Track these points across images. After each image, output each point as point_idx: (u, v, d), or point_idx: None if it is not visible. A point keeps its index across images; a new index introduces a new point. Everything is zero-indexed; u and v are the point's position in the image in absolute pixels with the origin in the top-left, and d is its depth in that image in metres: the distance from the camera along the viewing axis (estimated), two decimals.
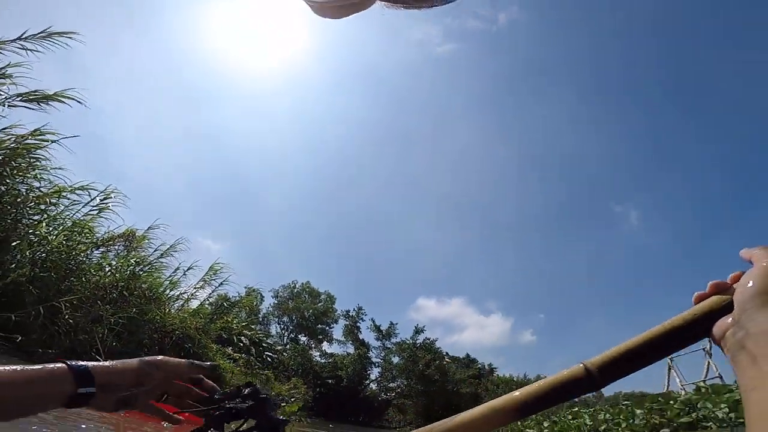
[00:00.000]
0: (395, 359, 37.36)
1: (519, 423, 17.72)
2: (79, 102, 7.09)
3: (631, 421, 9.28)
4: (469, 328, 67.36)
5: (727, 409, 7.13)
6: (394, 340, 38.51)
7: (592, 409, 14.57)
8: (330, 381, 34.30)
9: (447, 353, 38.96)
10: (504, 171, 75.20)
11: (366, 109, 75.33)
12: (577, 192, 72.05)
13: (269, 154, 72.69)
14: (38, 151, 6.68)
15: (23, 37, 6.43)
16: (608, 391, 43.64)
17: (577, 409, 15.77)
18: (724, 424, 6.87)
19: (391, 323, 39.05)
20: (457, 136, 73.74)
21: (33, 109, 6.67)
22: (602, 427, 10.17)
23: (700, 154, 66.01)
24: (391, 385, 37.26)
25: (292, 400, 13.47)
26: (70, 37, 6.96)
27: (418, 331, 37.89)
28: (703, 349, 17.45)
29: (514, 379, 35.96)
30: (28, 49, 6.51)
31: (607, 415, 10.81)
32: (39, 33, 6.55)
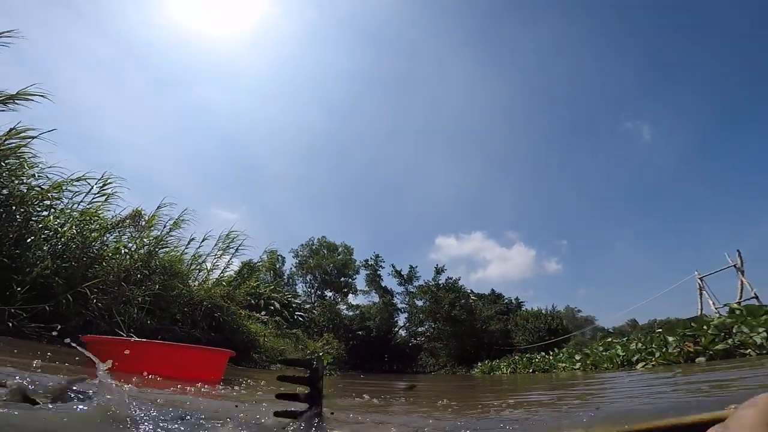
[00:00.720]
0: (419, 303, 37.60)
1: (552, 355, 18.40)
2: (44, 97, 7.04)
3: (664, 350, 9.34)
4: (492, 262, 68.49)
5: (765, 333, 7.00)
6: (416, 283, 38.68)
7: (624, 339, 14.88)
8: (360, 333, 35.45)
9: (472, 291, 39.34)
10: (507, 102, 72.52)
11: (354, 59, 72.22)
12: (584, 114, 69.06)
13: (264, 120, 71.80)
14: (23, 149, 6.75)
15: None
16: (643, 318, 44.47)
17: (610, 339, 16.13)
18: (764, 350, 6.77)
19: (411, 267, 39.24)
20: (454, 75, 70.72)
21: (2, 110, 6.64)
22: (635, 357, 10.31)
23: (704, 56, 60.85)
24: (419, 329, 37.93)
25: (321, 354, 14.11)
26: (10, 36, 6.78)
27: (438, 271, 37.82)
28: (734, 266, 17.14)
29: (543, 312, 36.51)
30: None
31: (640, 345, 10.93)
32: None
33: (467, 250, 65.00)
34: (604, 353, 12.88)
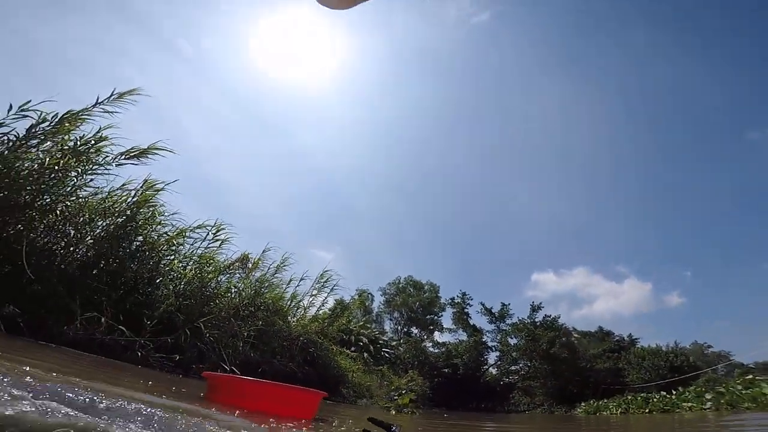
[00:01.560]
0: (512, 341, 36.48)
1: (674, 395, 16.29)
2: (170, 151, 8.13)
3: None
4: (599, 298, 62.52)
5: None
6: (509, 321, 37.69)
7: None
8: (446, 370, 34.86)
9: (574, 328, 37.28)
10: (608, 120, 67.98)
11: (439, 92, 74.02)
12: (699, 127, 62.07)
13: (355, 162, 76.00)
14: (153, 199, 7.92)
15: (99, 102, 7.31)
16: None
17: (751, 377, 13.92)
18: None
19: (503, 304, 38.33)
20: (545, 98, 68.62)
21: (135, 164, 7.75)
22: None
23: None
24: (512, 368, 36.49)
25: (403, 392, 14.24)
26: (138, 94, 7.86)
27: (535, 308, 36.34)
28: None
29: (663, 349, 32.69)
30: (109, 111, 7.38)
31: None
32: (110, 96, 7.44)
33: (569, 286, 60.63)
34: (744, 392, 11.20)
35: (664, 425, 7.75)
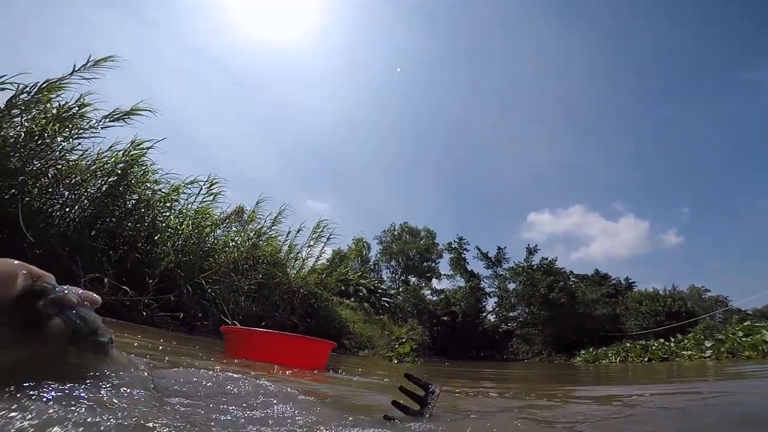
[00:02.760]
0: (511, 286, 36.92)
1: (673, 342, 17.12)
2: (152, 111, 8.21)
3: None
4: (596, 239, 62.96)
5: None
6: (506, 266, 37.89)
7: None
8: (445, 318, 35.51)
9: (571, 272, 37.72)
10: (601, 59, 65.67)
11: (425, 38, 70.98)
12: (691, 67, 59.96)
13: (343, 111, 74.48)
14: (142, 158, 8.03)
15: (76, 69, 7.40)
16: None
17: (748, 323, 14.61)
18: None
19: (499, 248, 38.39)
20: (537, 36, 65.65)
21: (121, 126, 7.89)
22: None
23: None
24: (510, 314, 37.20)
25: (403, 341, 14.94)
26: (114, 60, 7.87)
27: (531, 251, 36.77)
28: None
29: (660, 292, 33.66)
30: (86, 78, 7.42)
31: None
32: (86, 63, 7.50)
33: (565, 226, 59.97)
34: (744, 339, 11.77)
35: (665, 374, 8.24)
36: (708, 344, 13.60)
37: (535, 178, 65.70)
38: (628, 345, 21.41)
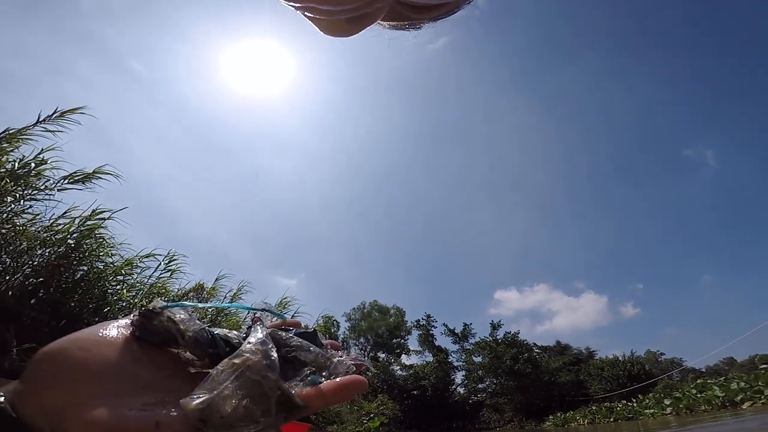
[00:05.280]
0: (477, 359, 37.50)
1: (635, 403, 17.00)
2: (117, 176, 7.63)
3: None
4: (559, 313, 65.33)
5: None
6: (472, 340, 38.89)
7: (722, 378, 13.62)
8: (415, 392, 34.86)
9: (534, 344, 38.73)
10: (553, 142, 72.58)
11: (391, 122, 76.53)
12: (638, 146, 67.56)
13: (317, 187, 76.27)
14: (99, 228, 7.44)
15: (41, 120, 6.84)
16: (742, 355, 40.28)
17: (701, 381, 14.80)
18: None
19: (465, 324, 39.54)
20: (498, 123, 72.30)
21: (80, 189, 7.26)
22: (739, 397, 9.45)
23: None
24: (479, 386, 37.32)
25: (372, 416, 14.36)
26: (82, 113, 7.37)
27: (495, 326, 37.87)
28: None
29: (620, 358, 34.32)
30: (50, 131, 6.89)
31: (743, 383, 10.05)
32: (53, 114, 6.97)
33: (530, 302, 63.90)
34: (698, 395, 11.84)
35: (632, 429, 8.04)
36: (667, 402, 13.64)
37: (502, 260, 68.16)
38: (594, 408, 21.19)
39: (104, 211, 7.69)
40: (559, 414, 24.22)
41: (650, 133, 67.92)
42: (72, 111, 7.41)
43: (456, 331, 39.33)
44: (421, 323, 40.65)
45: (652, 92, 67.66)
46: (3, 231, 5.58)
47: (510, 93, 73.01)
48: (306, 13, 0.39)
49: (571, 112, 73.15)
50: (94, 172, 7.73)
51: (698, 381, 15.17)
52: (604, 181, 69.62)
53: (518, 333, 37.44)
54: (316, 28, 0.41)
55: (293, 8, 0.38)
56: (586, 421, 18.40)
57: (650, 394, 18.89)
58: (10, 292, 5.67)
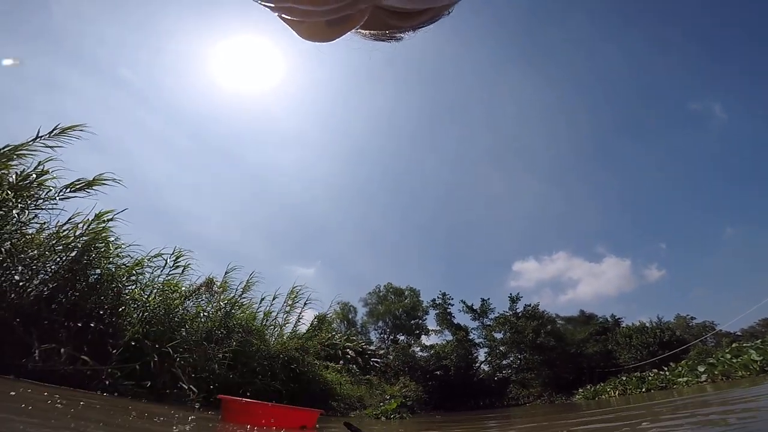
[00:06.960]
0: (498, 335, 37.24)
1: (668, 371, 16.85)
2: (117, 182, 8.09)
3: None
4: (581, 280, 64.38)
5: None
6: (492, 315, 38.55)
7: (759, 341, 13.34)
8: (438, 372, 35.10)
9: (557, 315, 38.35)
10: (553, 108, 70.85)
11: (393, 103, 75.66)
12: (641, 103, 65.21)
13: (321, 176, 76.30)
14: (105, 232, 7.74)
15: (40, 136, 7.24)
16: None
17: (736, 345, 14.52)
18: None
19: (483, 300, 39.23)
20: (501, 95, 70.76)
21: (83, 197, 7.70)
22: None
23: None
24: (503, 362, 37.14)
25: (389, 398, 14.67)
26: (82, 129, 7.80)
27: (514, 299, 37.53)
28: None
29: (647, 325, 33.80)
30: (50, 146, 7.32)
31: None
32: (52, 131, 7.35)
33: (551, 272, 62.00)
34: (734, 360, 11.66)
35: (665, 404, 7.97)
36: (701, 369, 13.46)
37: (518, 230, 67.53)
38: (625, 378, 21.05)
39: (108, 212, 7.89)
40: (589, 386, 24.21)
41: (653, 90, 65.49)
42: (72, 128, 7.71)
43: (474, 308, 38.99)
44: (437, 302, 40.54)
45: (647, 51, 65.23)
46: (13, 241, 5.78)
47: (504, 64, 71.30)
48: (283, 15, 0.38)
49: (566, 77, 71.16)
50: (95, 179, 7.99)
51: (733, 345, 14.91)
52: (608, 139, 67.79)
53: (538, 305, 37.07)
54: (294, 33, 0.40)
55: (269, 9, 0.38)
56: (617, 392, 18.38)
57: (683, 362, 18.69)
58: (31, 298, 5.91)
